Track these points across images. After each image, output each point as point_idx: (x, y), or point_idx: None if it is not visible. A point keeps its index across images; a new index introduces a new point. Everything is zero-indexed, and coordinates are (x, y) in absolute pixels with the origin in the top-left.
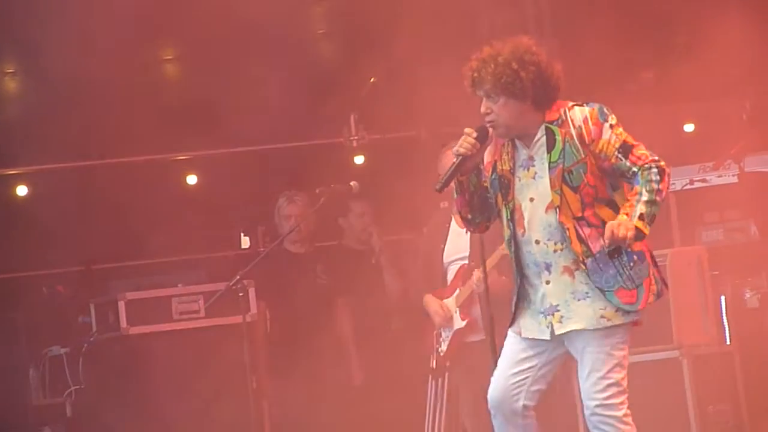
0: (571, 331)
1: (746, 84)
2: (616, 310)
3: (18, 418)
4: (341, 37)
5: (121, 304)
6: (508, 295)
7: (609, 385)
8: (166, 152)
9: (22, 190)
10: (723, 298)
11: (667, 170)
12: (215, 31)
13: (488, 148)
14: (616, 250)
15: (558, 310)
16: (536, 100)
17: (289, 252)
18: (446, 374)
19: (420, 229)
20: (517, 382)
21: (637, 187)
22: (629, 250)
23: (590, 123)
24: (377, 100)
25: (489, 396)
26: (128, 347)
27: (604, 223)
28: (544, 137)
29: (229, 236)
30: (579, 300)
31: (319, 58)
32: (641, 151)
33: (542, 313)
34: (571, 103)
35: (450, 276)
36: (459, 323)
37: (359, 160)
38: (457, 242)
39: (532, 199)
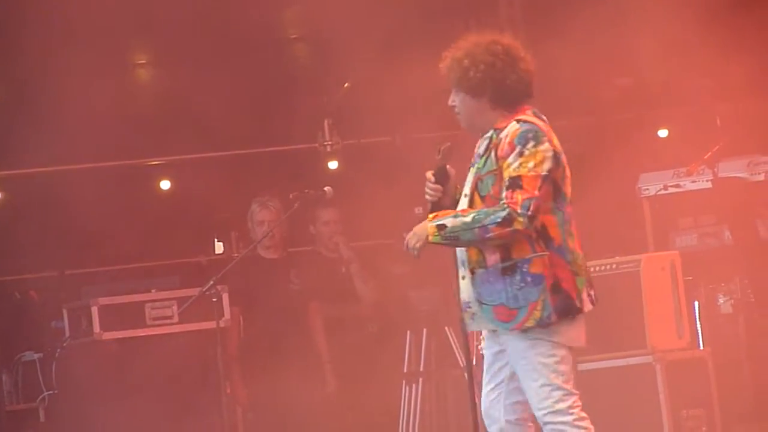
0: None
1: (720, 89)
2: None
3: None
4: (314, 42)
5: (94, 310)
6: None
7: (551, 391)
8: (139, 157)
9: None
10: (696, 303)
11: (517, 226)
12: (188, 36)
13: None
14: (510, 267)
15: (470, 308)
16: (493, 98)
17: (262, 257)
18: (420, 380)
19: (399, 233)
20: (494, 398)
21: (476, 210)
22: (525, 270)
23: (507, 141)
24: (351, 105)
25: (482, 411)
26: (101, 352)
27: None
28: (488, 141)
29: (203, 242)
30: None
31: (292, 63)
32: (520, 196)
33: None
34: (520, 117)
35: None
36: None
37: (333, 165)
38: None
39: (466, 195)
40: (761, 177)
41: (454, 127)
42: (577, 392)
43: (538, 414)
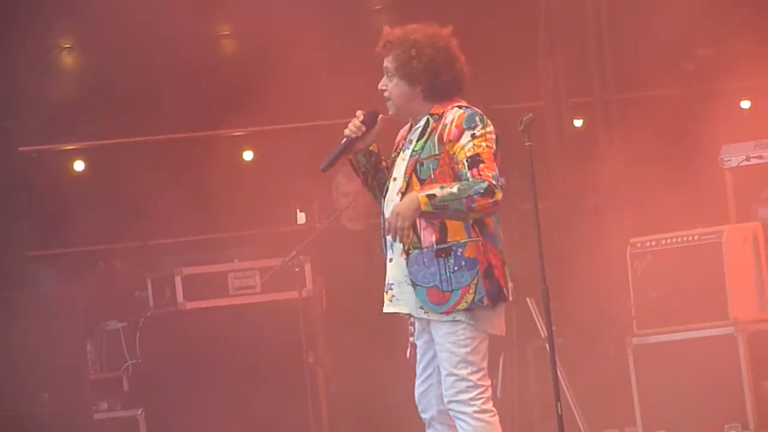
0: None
1: None
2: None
3: (75, 392)
4: (396, 13)
5: (178, 279)
6: None
7: (455, 381)
8: (222, 128)
9: (78, 166)
10: None
11: (497, 198)
12: (272, 7)
13: (406, 127)
14: (445, 250)
15: (392, 289)
16: (426, 89)
17: (345, 228)
18: (501, 350)
19: None
20: (426, 388)
21: (457, 183)
22: (460, 254)
23: (454, 125)
24: None
25: (415, 399)
26: (185, 322)
27: (441, 222)
28: (422, 126)
29: (285, 212)
30: (409, 285)
31: (376, 34)
32: (488, 170)
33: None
34: (458, 104)
35: None
36: None
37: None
38: None
39: (395, 179)
40: None
41: (536, 98)
42: (485, 383)
43: (445, 400)
